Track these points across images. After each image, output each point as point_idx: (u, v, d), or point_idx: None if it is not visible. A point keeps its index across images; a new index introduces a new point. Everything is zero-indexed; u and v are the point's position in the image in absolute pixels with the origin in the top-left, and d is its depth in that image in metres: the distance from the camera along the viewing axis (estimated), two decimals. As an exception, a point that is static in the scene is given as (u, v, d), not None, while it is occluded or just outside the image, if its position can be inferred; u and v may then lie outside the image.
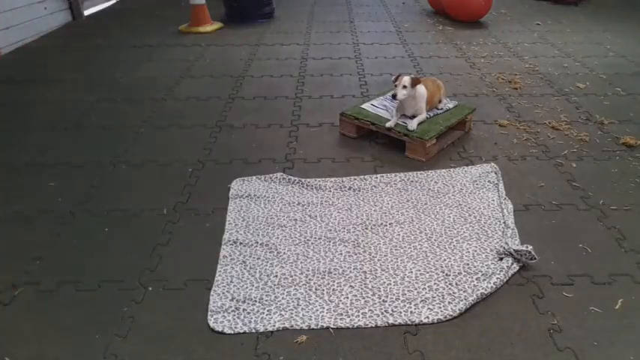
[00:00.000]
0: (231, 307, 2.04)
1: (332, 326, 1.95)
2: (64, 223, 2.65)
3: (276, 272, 2.22)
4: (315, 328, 1.96)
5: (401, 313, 2.00)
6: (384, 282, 2.15)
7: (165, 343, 1.92)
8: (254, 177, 2.97)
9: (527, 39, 5.91)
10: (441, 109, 3.50)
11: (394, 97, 3.14)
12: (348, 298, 2.07)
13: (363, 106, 3.57)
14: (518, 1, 7.96)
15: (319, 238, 2.42)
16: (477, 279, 2.15)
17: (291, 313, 2.01)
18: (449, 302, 2.04)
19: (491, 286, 2.10)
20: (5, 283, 2.24)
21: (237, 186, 2.89)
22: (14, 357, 1.89)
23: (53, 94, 4.36)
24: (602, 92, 4.30)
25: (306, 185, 2.86)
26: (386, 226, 2.51)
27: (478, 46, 5.63)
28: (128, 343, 1.93)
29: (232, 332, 1.95)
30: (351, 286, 2.13)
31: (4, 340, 1.96)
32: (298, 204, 2.70)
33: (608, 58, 5.20)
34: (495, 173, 2.97)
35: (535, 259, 2.24)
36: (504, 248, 2.26)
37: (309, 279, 2.17)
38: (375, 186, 2.86)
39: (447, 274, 2.19)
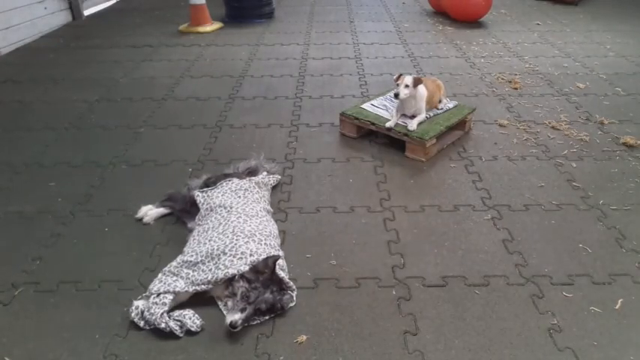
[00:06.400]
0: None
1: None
2: (64, 223, 2.65)
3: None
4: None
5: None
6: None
7: (165, 343, 1.92)
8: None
9: (527, 39, 5.91)
10: (441, 109, 3.50)
11: (396, 96, 3.15)
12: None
13: (363, 106, 3.57)
14: (519, 1, 7.96)
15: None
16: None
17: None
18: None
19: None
20: (5, 283, 2.24)
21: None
22: (14, 357, 1.89)
23: (53, 94, 4.36)
24: (602, 92, 4.30)
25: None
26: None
27: (478, 46, 5.63)
28: (128, 343, 1.93)
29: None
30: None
31: (4, 339, 1.96)
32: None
33: (608, 58, 5.20)
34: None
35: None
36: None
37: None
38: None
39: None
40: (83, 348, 1.91)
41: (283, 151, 3.37)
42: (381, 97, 3.71)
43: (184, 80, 4.69)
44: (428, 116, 3.36)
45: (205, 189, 2.60)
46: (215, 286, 2.07)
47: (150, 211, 2.66)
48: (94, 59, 5.30)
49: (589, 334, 1.95)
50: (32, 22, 6.01)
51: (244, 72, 4.90)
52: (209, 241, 2.22)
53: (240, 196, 2.53)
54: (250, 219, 2.35)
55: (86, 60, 5.27)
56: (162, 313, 1.95)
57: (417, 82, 3.18)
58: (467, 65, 5.02)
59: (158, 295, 2.02)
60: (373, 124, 3.36)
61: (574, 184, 2.97)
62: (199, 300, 2.08)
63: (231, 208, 2.42)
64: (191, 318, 1.97)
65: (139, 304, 2.02)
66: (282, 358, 1.87)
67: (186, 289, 2.05)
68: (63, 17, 6.70)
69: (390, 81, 4.53)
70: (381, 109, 3.52)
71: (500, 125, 3.70)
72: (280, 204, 2.80)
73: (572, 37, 5.98)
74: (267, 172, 2.94)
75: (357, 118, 3.43)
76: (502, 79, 4.62)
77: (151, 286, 2.07)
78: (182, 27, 6.42)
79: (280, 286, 2.09)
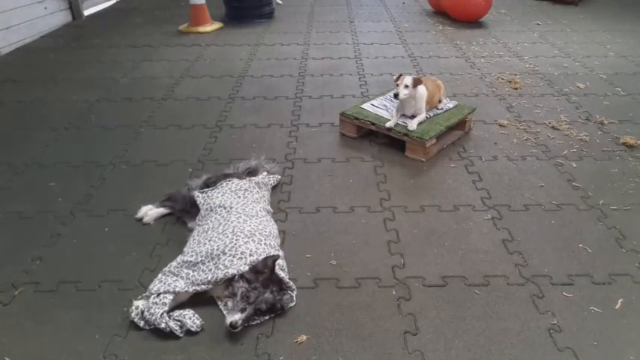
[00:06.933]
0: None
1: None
2: (64, 223, 2.65)
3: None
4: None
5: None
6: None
7: (166, 343, 1.92)
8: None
9: (527, 39, 5.91)
10: (441, 109, 3.50)
11: (396, 96, 3.15)
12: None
13: (363, 106, 3.57)
14: (519, 1, 7.96)
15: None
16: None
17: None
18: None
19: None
20: (5, 283, 2.24)
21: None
22: (14, 357, 1.89)
23: (53, 94, 4.36)
24: (602, 92, 4.30)
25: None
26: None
27: (478, 46, 5.63)
28: (128, 343, 1.93)
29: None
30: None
31: (4, 340, 1.96)
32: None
33: (608, 58, 5.20)
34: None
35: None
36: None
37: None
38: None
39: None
40: (83, 348, 1.91)
41: (283, 151, 3.38)
42: (381, 97, 3.71)
43: (184, 80, 4.69)
44: (428, 116, 3.36)
45: (205, 189, 2.60)
46: (215, 286, 2.07)
47: (150, 211, 2.66)
48: (94, 59, 5.30)
49: (589, 334, 1.95)
50: (32, 22, 6.00)
51: (244, 72, 4.90)
52: (209, 241, 2.22)
53: (240, 197, 2.53)
54: (250, 219, 2.35)
55: (86, 60, 5.27)
56: (162, 313, 1.95)
57: (416, 82, 3.18)
58: (467, 65, 5.02)
59: (158, 295, 2.02)
60: (373, 124, 3.36)
61: (574, 184, 2.97)
62: (199, 300, 2.08)
63: (231, 208, 2.42)
64: (191, 318, 1.97)
65: (139, 304, 2.02)
66: (282, 358, 1.87)
67: (186, 289, 2.05)
68: (63, 17, 6.70)
69: (390, 81, 4.53)
70: (381, 109, 3.52)
71: (500, 125, 3.70)
72: (280, 204, 2.80)
73: (572, 37, 5.98)
74: (267, 172, 2.94)
75: (357, 118, 3.43)
76: (502, 79, 4.62)
77: (151, 286, 2.07)
78: (182, 27, 6.42)
79: (280, 286, 2.09)
